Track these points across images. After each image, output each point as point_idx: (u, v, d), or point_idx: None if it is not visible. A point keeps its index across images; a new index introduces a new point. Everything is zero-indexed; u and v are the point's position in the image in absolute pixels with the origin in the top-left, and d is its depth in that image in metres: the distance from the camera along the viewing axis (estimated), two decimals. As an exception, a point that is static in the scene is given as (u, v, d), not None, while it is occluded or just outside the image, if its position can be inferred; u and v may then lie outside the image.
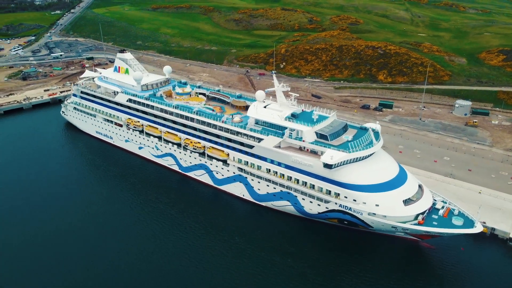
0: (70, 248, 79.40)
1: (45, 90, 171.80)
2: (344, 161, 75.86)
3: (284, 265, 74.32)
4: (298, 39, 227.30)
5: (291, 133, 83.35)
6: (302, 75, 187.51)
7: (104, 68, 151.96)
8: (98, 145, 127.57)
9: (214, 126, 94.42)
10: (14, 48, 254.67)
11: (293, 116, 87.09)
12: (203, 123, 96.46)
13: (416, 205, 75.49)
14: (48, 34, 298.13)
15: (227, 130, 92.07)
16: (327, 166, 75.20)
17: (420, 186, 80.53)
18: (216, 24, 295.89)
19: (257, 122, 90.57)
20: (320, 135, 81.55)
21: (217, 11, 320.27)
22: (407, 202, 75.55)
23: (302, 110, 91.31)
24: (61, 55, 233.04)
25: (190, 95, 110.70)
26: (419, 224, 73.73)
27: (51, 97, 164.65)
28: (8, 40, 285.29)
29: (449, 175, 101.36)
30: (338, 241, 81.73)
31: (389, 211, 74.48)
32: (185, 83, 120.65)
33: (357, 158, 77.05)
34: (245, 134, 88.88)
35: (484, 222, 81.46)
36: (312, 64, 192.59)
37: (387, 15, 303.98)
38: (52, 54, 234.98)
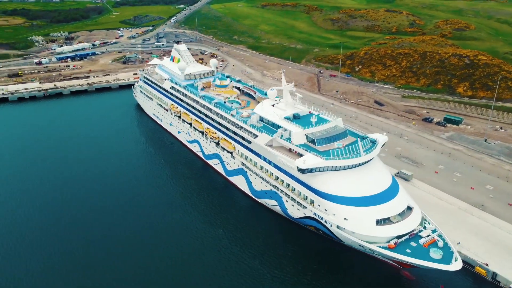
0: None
1: (134, 74, 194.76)
2: (322, 167, 72.35)
3: (253, 269, 73.69)
4: (385, 42, 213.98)
5: (283, 133, 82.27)
6: (374, 80, 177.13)
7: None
8: (153, 125, 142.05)
9: (224, 118, 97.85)
10: (132, 37, 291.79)
11: (295, 117, 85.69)
12: (217, 114, 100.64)
13: (391, 227, 68.44)
14: (164, 25, 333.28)
15: (232, 124, 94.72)
16: (300, 170, 72.78)
17: (409, 208, 72.48)
18: (313, 23, 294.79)
19: (261, 119, 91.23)
20: (309, 139, 78.97)
21: (319, 10, 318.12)
22: (382, 222, 68.98)
23: (310, 112, 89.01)
24: (162, 44, 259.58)
25: (226, 88, 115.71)
26: (388, 248, 66.87)
27: (135, 80, 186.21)
28: (130, 29, 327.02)
29: (479, 205, 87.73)
30: (319, 251, 77.96)
31: (357, 228, 68.98)
32: (227, 77, 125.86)
33: (338, 166, 72.67)
34: (245, 129, 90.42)
35: (487, 264, 69.81)
36: (389, 69, 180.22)
37: (510, 21, 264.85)
38: (155, 43, 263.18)
